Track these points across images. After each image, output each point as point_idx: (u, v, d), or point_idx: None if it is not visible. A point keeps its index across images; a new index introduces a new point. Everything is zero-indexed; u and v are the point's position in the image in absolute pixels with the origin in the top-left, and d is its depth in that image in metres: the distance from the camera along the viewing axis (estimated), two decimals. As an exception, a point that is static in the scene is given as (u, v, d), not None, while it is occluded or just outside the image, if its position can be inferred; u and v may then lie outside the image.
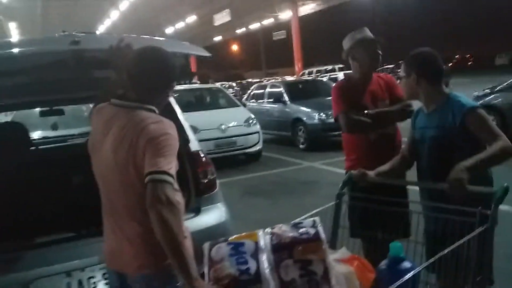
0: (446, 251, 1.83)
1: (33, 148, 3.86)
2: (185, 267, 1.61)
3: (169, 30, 40.96)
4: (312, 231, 1.75)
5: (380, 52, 2.98)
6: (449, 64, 35.22)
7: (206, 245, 1.77)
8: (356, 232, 2.52)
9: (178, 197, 1.72)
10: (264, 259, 1.69)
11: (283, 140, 10.94)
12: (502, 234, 4.39)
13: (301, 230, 1.76)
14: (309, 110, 9.95)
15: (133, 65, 1.84)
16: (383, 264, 1.88)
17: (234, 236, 1.81)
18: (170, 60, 1.90)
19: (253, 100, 12.27)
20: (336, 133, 9.61)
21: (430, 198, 2.36)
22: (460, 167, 2.06)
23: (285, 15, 34.13)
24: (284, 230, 1.79)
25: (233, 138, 8.63)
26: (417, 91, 2.41)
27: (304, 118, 9.93)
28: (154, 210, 1.60)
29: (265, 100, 11.59)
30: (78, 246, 2.63)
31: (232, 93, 25.64)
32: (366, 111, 2.87)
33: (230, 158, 8.75)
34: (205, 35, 43.60)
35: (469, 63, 64.57)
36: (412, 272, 1.69)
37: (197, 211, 2.94)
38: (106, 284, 2.56)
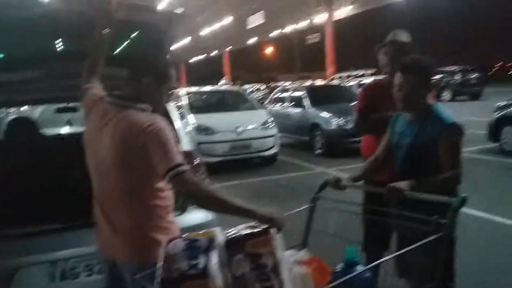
0: (390, 256, 1.91)
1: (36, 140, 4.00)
2: (245, 213, 1.83)
3: (205, 31, 41.52)
4: (263, 226, 1.85)
5: (401, 59, 2.87)
6: (488, 73, 34.00)
7: (165, 241, 1.90)
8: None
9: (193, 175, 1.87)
10: (214, 255, 1.80)
11: (301, 145, 10.96)
12: (495, 246, 4.40)
13: (254, 228, 1.87)
14: (327, 115, 9.95)
15: (135, 68, 2.02)
16: (338, 267, 1.96)
17: (193, 233, 1.93)
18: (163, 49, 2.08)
19: (276, 104, 12.36)
20: (354, 139, 9.62)
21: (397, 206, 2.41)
22: (405, 183, 2.21)
23: (320, 18, 33.94)
24: (240, 228, 1.90)
25: (249, 140, 8.75)
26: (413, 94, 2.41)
27: (322, 123, 9.95)
28: (191, 199, 1.89)
29: (287, 103, 11.65)
30: (65, 237, 2.81)
31: (261, 96, 25.89)
32: (377, 114, 2.91)
33: (245, 161, 8.87)
34: (240, 36, 43.93)
35: (510, 72, 62.23)
36: (351, 274, 1.78)
37: (182, 210, 3.08)
38: (88, 275, 2.73)
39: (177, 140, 3.21)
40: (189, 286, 1.73)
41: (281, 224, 1.78)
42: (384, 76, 3.11)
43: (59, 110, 4.83)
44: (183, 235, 1.89)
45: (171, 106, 3.58)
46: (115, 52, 2.85)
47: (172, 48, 2.55)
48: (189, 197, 1.84)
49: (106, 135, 1.91)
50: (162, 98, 2.05)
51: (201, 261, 1.76)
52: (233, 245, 1.79)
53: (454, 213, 1.94)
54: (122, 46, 3.25)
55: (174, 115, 3.41)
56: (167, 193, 1.95)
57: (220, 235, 1.86)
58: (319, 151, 10.09)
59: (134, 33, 3.01)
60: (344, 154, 9.45)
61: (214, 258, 1.77)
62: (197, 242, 1.83)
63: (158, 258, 1.82)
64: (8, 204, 3.07)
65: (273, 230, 1.75)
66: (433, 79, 2.47)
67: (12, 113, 6.04)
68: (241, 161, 8.72)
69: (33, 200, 3.14)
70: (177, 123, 3.39)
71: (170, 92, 2.07)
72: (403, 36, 3.01)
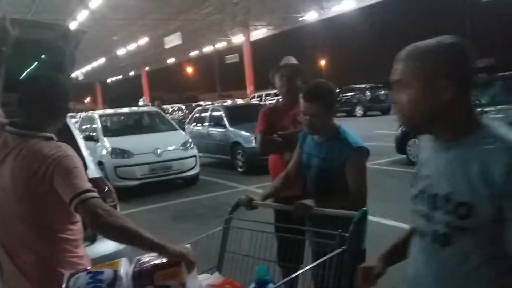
0: (300, 272, 1.98)
1: None
2: (156, 247, 1.71)
3: (121, 51, 40.56)
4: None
5: (296, 80, 3.14)
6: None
7: (66, 274, 1.78)
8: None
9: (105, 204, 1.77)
10: (120, 287, 1.72)
11: (223, 164, 11.00)
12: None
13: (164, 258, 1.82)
14: (247, 134, 10.09)
15: (27, 93, 1.89)
16: (251, 287, 1.98)
17: (98, 265, 1.84)
18: (66, 86, 1.97)
19: (195, 124, 12.32)
20: (274, 156, 9.86)
21: (313, 222, 2.48)
22: (310, 201, 2.31)
23: (238, 39, 34.67)
24: (151, 257, 1.83)
25: (169, 162, 8.61)
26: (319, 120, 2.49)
27: (242, 142, 10.06)
28: (98, 227, 1.71)
29: (207, 123, 11.67)
30: None
31: (182, 116, 25.70)
32: (279, 132, 3.05)
33: (167, 183, 8.71)
34: (159, 56, 43.49)
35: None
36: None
37: (92, 240, 2.93)
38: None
39: (85, 168, 3.10)
40: None
41: (192, 260, 1.71)
42: (280, 97, 3.36)
43: None
44: (86, 268, 1.81)
45: (77, 132, 3.46)
46: (9, 75, 2.69)
47: (75, 68, 2.45)
48: (97, 226, 1.70)
49: (7, 167, 1.79)
50: (56, 124, 1.96)
51: None
52: (141, 277, 1.71)
53: (356, 226, 2.04)
54: (17, 68, 3.08)
55: (80, 141, 3.29)
56: (76, 225, 1.86)
57: (126, 266, 1.79)
58: (241, 169, 10.18)
59: (28, 52, 2.86)
60: (265, 171, 9.56)
61: None
62: (101, 275, 1.73)
63: None
64: None
65: (183, 265, 1.70)
66: (336, 102, 2.58)
67: None
68: (162, 183, 8.54)
69: None
70: (84, 150, 3.27)
71: (65, 115, 2.01)
72: (293, 60, 3.28)
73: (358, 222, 2.06)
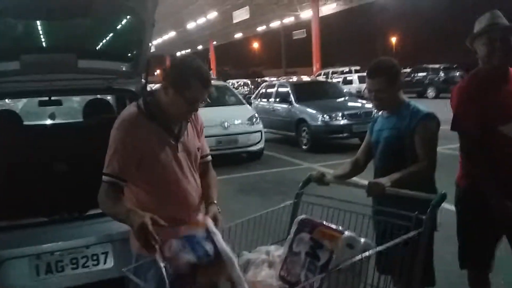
0: (377, 249, 1.91)
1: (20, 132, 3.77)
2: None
3: (191, 25, 41.28)
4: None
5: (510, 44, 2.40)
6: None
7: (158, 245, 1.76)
8: None
9: None
10: (220, 239, 1.79)
11: (288, 140, 11.00)
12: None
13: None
14: (313, 111, 10.00)
15: None
16: None
17: (183, 227, 1.87)
18: None
19: (261, 99, 12.35)
20: (339, 135, 9.74)
21: (378, 202, 2.42)
22: (386, 178, 2.24)
23: (306, 14, 33.99)
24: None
25: (235, 135, 8.74)
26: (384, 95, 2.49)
27: (308, 119, 9.99)
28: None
29: (273, 99, 11.67)
30: (50, 230, 2.80)
31: (247, 91, 25.88)
32: (500, 127, 2.48)
33: (232, 156, 8.87)
34: (226, 31, 43.77)
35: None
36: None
37: None
38: (73, 269, 2.73)
39: None
40: (203, 272, 1.73)
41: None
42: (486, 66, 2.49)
43: (42, 104, 4.69)
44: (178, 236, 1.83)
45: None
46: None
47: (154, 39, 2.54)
48: None
49: None
50: None
51: (208, 248, 1.76)
52: (181, 278, 1.72)
53: (434, 210, 1.98)
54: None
55: None
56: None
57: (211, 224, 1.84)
58: (305, 146, 10.14)
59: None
60: (329, 149, 9.53)
61: (221, 242, 1.78)
62: (195, 237, 1.79)
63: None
64: None
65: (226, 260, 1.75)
66: (399, 76, 2.54)
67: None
68: (227, 156, 8.71)
69: (17, 193, 3.09)
70: None
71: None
72: (502, 18, 2.47)
73: (437, 205, 2.00)
